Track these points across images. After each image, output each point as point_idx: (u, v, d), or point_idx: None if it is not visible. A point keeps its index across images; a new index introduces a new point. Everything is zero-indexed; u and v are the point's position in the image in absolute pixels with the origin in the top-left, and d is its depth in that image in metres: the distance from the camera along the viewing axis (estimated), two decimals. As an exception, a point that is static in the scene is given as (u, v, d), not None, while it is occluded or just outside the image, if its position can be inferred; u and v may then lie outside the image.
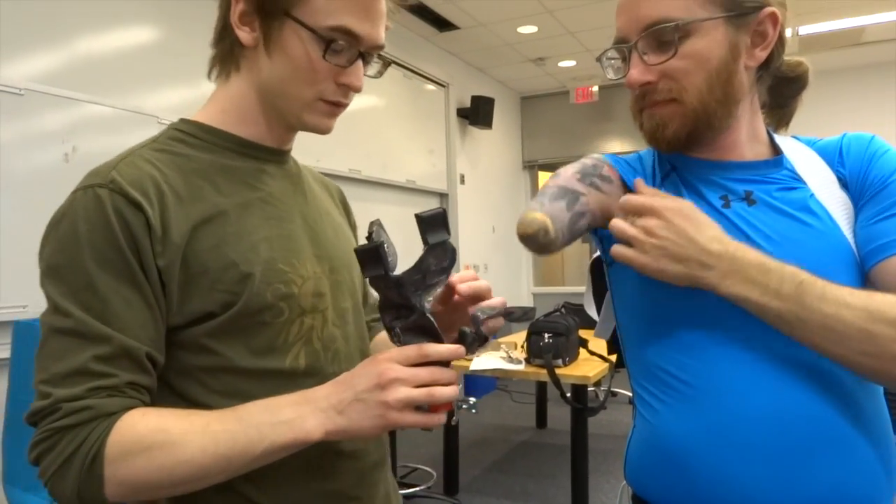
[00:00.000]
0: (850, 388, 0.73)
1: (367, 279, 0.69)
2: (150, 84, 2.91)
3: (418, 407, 0.67)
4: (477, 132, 5.91)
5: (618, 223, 0.74)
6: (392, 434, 1.56)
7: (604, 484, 3.42)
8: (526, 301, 6.63)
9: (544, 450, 4.04)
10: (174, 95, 3.04)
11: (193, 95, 3.11)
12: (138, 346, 0.66)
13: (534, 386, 4.63)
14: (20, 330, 1.92)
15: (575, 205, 0.76)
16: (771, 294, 0.67)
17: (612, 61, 0.83)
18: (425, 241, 0.69)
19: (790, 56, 0.84)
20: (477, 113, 5.60)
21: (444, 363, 0.69)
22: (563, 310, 3.29)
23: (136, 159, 0.72)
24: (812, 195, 0.78)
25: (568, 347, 2.92)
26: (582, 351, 3.19)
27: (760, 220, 0.77)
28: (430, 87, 5.28)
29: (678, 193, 0.82)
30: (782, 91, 0.88)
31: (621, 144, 6.48)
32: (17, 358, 1.90)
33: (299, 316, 0.76)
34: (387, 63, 0.82)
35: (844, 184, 0.79)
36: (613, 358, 3.46)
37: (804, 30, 5.07)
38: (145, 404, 0.68)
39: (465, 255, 5.46)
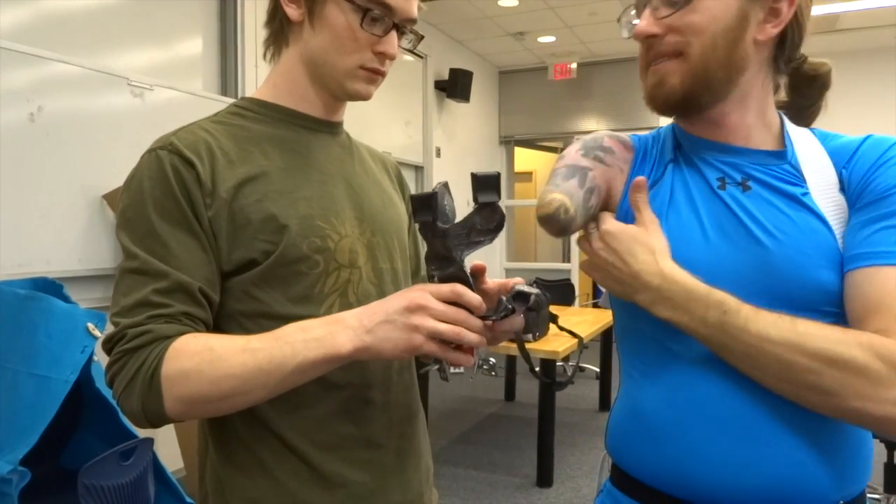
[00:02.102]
0: None
1: (418, 226, 0.74)
2: (121, 44, 2.84)
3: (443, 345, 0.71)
4: (454, 105, 5.87)
5: (582, 244, 0.83)
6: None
7: (569, 456, 3.50)
8: (498, 275, 6.67)
9: (512, 422, 4.11)
10: (144, 56, 2.97)
11: (164, 57, 3.06)
12: (192, 282, 0.75)
13: (504, 359, 4.69)
14: (-16, 292, 1.87)
15: (585, 181, 0.81)
16: (697, 321, 0.72)
17: (630, 20, 0.84)
18: (475, 200, 0.73)
19: (813, 57, 0.86)
20: (455, 86, 5.57)
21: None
22: (534, 285, 3.32)
23: (195, 128, 0.82)
24: (807, 193, 0.78)
25: (538, 323, 2.96)
26: (552, 326, 3.24)
27: (752, 206, 0.79)
28: (408, 57, 5.22)
29: (680, 172, 0.84)
30: (803, 90, 0.89)
31: (598, 122, 6.51)
32: (-19, 320, 1.85)
33: (335, 270, 0.83)
34: (419, 37, 0.90)
35: (843, 186, 0.79)
36: (583, 334, 3.50)
37: (781, 14, 5.11)
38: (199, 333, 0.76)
39: (439, 229, 5.46)
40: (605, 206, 0.86)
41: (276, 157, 0.84)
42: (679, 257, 0.77)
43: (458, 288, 0.71)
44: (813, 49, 0.83)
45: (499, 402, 4.56)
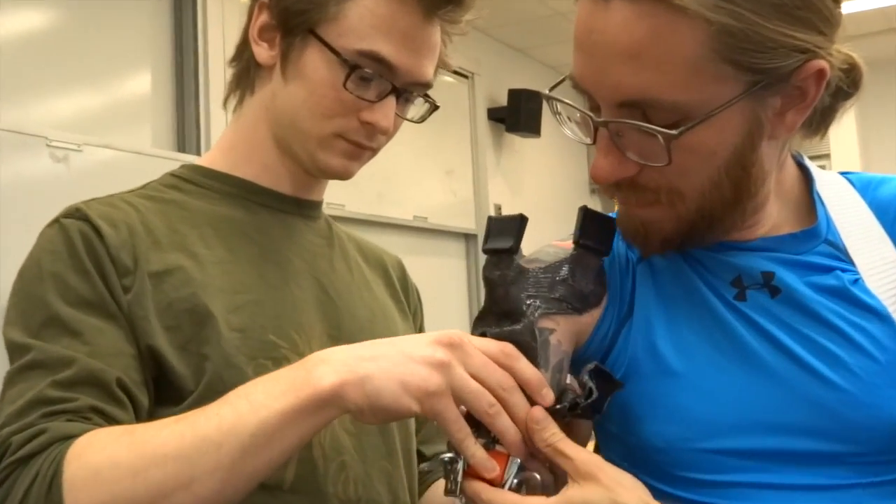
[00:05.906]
0: None
1: (484, 264, 0.68)
2: (37, 92, 2.56)
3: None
4: (518, 142, 5.06)
5: None
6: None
7: None
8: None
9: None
10: (69, 106, 2.65)
11: (97, 105, 2.74)
12: (105, 370, 0.67)
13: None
14: None
15: (548, 353, 0.67)
16: None
17: (569, 112, 0.69)
18: (576, 242, 0.67)
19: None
20: (517, 114, 4.74)
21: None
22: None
23: (114, 199, 0.78)
24: (858, 280, 0.66)
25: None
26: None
27: (792, 321, 0.65)
28: (447, 78, 4.33)
29: (662, 276, 0.72)
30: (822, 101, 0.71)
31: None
32: None
33: None
34: (434, 107, 0.86)
35: None
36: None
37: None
38: None
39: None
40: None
41: (217, 246, 0.77)
42: (696, 415, 0.66)
43: (509, 348, 0.61)
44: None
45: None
